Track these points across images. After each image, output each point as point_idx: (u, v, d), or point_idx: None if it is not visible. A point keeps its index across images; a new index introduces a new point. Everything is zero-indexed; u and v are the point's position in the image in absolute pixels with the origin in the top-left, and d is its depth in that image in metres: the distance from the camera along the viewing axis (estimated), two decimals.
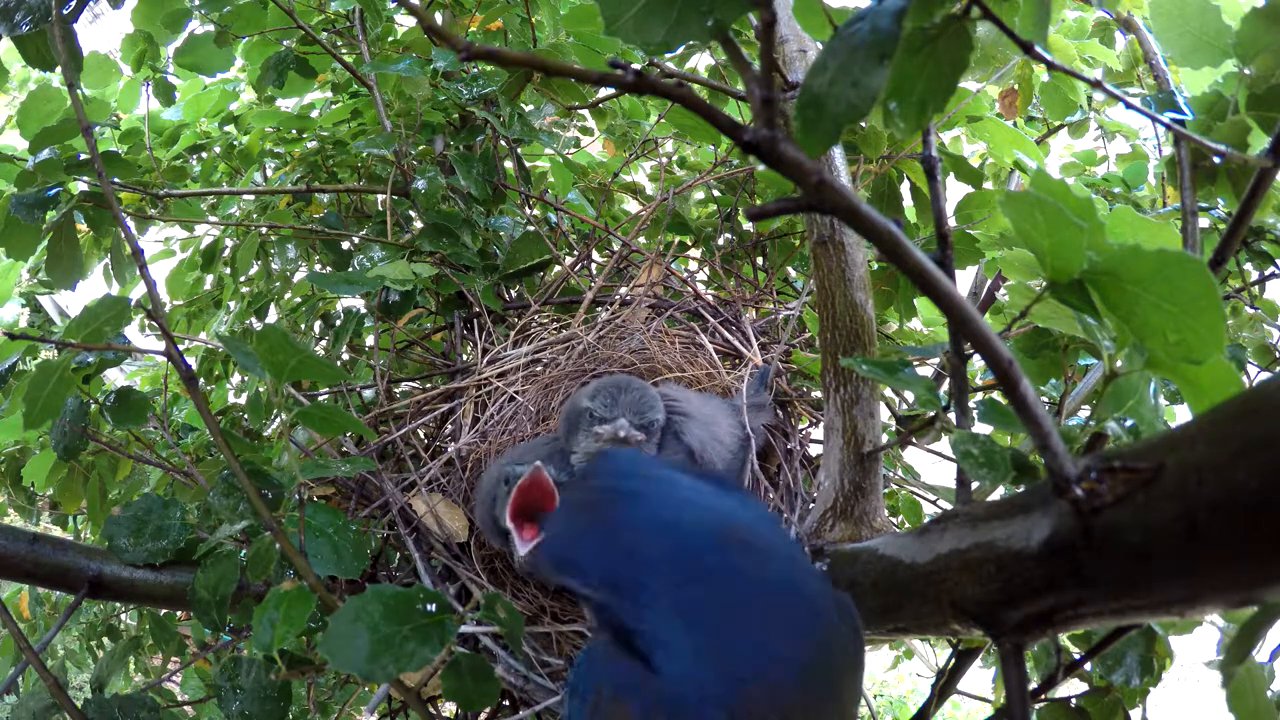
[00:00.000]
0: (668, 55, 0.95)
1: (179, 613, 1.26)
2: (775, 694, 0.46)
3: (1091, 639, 0.71)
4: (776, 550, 0.51)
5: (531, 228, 1.28)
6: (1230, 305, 1.11)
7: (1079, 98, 1.31)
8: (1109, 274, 0.48)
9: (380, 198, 1.42)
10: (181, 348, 1.08)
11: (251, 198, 1.54)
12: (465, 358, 1.21)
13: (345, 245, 1.37)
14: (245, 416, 1.38)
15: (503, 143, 1.32)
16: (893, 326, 1.34)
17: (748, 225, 1.38)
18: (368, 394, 1.22)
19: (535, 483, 0.76)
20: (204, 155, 1.63)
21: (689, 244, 1.44)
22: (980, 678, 1.03)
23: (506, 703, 0.92)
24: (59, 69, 0.92)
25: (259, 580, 0.78)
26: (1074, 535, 0.42)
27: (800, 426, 1.04)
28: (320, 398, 1.22)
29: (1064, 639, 0.77)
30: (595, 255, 1.40)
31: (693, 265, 1.43)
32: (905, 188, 1.19)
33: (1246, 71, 0.79)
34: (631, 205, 1.67)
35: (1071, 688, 0.79)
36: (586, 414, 0.90)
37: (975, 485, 0.69)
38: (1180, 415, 1.12)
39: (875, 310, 0.84)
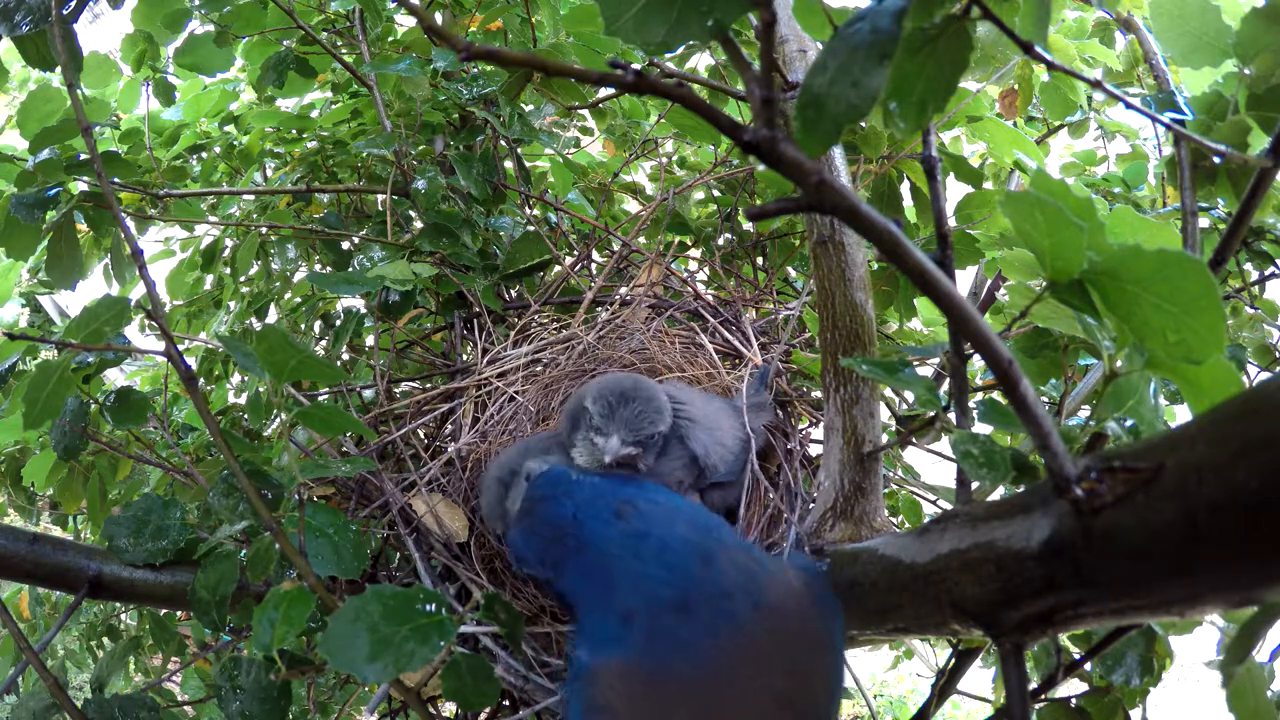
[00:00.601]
0: (668, 55, 0.95)
1: (179, 613, 1.26)
2: (664, 627, 0.59)
3: (1091, 639, 0.71)
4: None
5: (531, 228, 1.28)
6: (1230, 305, 1.11)
7: (1079, 98, 1.31)
8: (1109, 274, 0.48)
9: (380, 198, 1.42)
10: (181, 348, 1.08)
11: (251, 198, 1.54)
12: (465, 358, 1.21)
13: (345, 245, 1.37)
14: (245, 416, 1.38)
15: (503, 143, 1.32)
16: (893, 326, 1.34)
17: (748, 225, 1.38)
18: (368, 394, 1.22)
19: None
20: (204, 155, 1.63)
21: (689, 244, 1.44)
22: (980, 678, 1.03)
23: (506, 703, 0.92)
24: (59, 69, 0.92)
25: (259, 580, 0.78)
26: (1074, 535, 0.42)
27: (800, 426, 1.04)
28: (320, 398, 1.22)
29: (1064, 639, 0.77)
30: (595, 255, 1.40)
31: (693, 265, 1.43)
32: (905, 188, 1.19)
33: (1246, 71, 0.79)
34: (631, 205, 1.67)
35: (1071, 688, 0.79)
36: (586, 416, 0.89)
37: (975, 485, 0.69)
38: (1180, 415, 1.12)
39: (875, 310, 0.84)
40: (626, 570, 0.62)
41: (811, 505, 0.83)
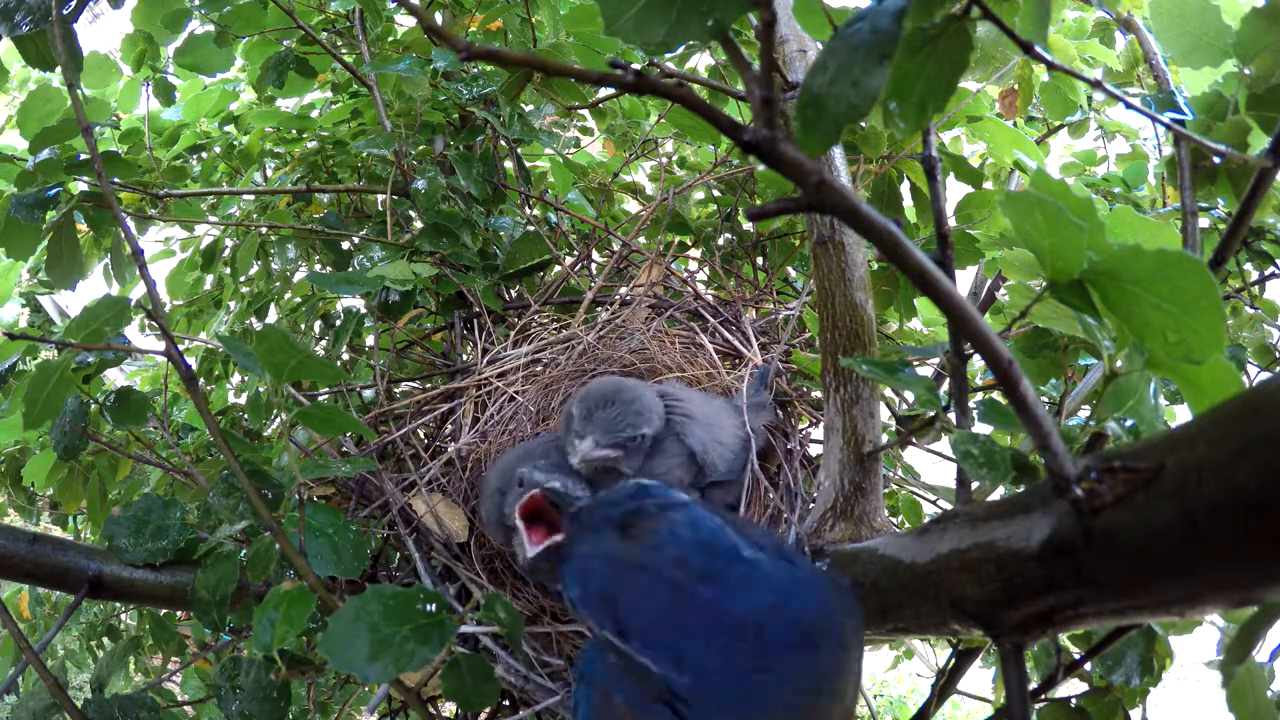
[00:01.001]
0: (668, 55, 0.95)
1: (179, 613, 1.26)
2: None
3: (1091, 639, 0.71)
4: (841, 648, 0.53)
5: (531, 228, 1.28)
6: (1230, 305, 1.11)
7: (1079, 98, 1.31)
8: (1109, 274, 0.48)
9: (380, 198, 1.42)
10: (181, 348, 1.08)
11: (251, 198, 1.54)
12: (465, 358, 1.21)
13: (345, 245, 1.37)
14: (245, 416, 1.38)
15: (503, 143, 1.32)
16: (893, 326, 1.34)
17: (748, 225, 1.38)
18: (368, 394, 1.22)
19: (537, 504, 0.79)
20: (204, 155, 1.63)
21: (689, 244, 1.44)
22: (980, 678, 1.03)
23: (506, 703, 0.92)
24: (59, 69, 0.92)
25: (259, 580, 0.78)
26: (1074, 535, 0.42)
27: (800, 426, 1.04)
28: (320, 398, 1.22)
29: (1064, 639, 0.77)
30: (595, 255, 1.40)
31: (693, 265, 1.43)
32: (905, 188, 1.19)
33: (1246, 71, 0.79)
34: (631, 205, 1.67)
35: (1071, 688, 0.79)
36: (570, 420, 0.89)
37: (975, 485, 0.69)
38: (1180, 415, 1.12)
39: (875, 310, 0.84)
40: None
41: (811, 505, 0.83)
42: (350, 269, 1.22)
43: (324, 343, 1.43)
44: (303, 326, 1.42)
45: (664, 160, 1.58)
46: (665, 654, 0.52)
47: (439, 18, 1.37)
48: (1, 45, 1.26)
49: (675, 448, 0.91)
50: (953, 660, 0.83)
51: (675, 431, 0.91)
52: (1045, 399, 0.83)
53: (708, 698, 0.51)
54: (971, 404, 0.63)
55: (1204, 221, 1.01)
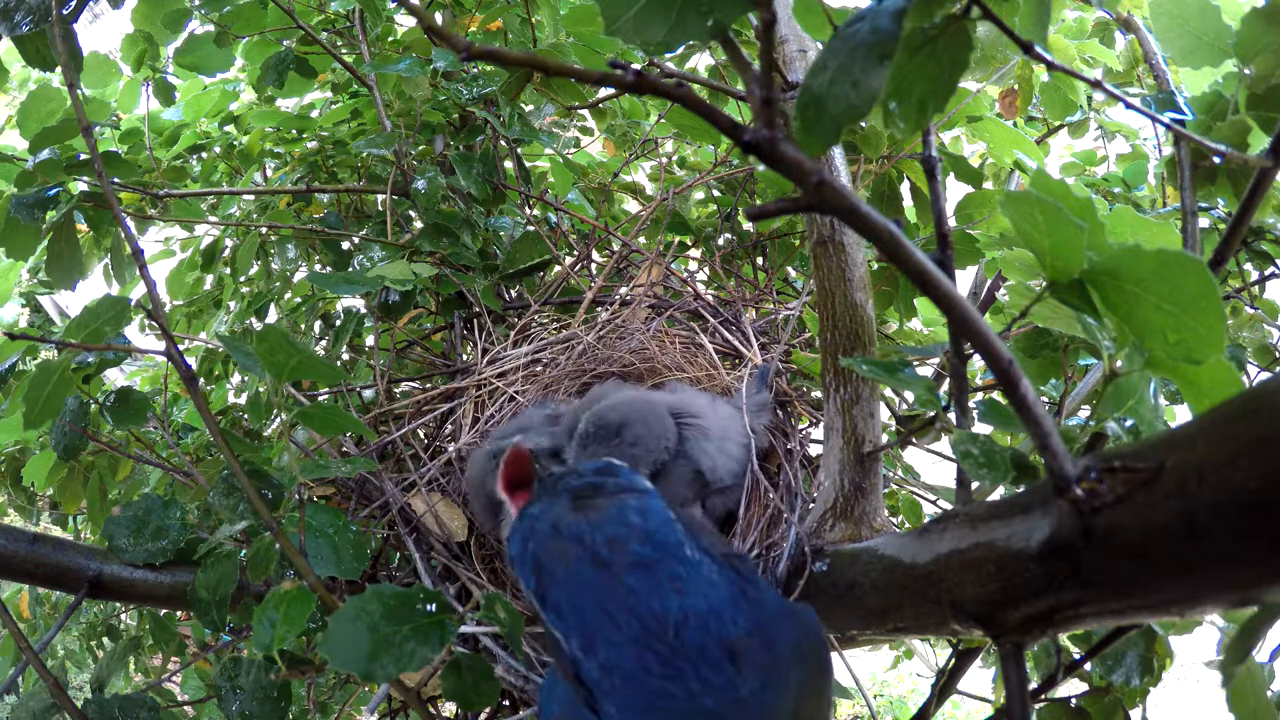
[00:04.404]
0: (668, 55, 0.95)
1: (179, 613, 1.26)
2: None
3: (1091, 639, 0.71)
4: (777, 663, 0.52)
5: (531, 228, 1.28)
6: (1230, 305, 1.11)
7: (1079, 98, 1.31)
8: (1109, 274, 0.48)
9: (380, 198, 1.42)
10: (181, 348, 1.08)
11: (251, 198, 1.54)
12: (465, 358, 1.21)
13: (345, 245, 1.37)
14: (245, 416, 1.38)
15: (503, 143, 1.32)
16: (893, 326, 1.34)
17: (748, 225, 1.38)
18: (368, 394, 1.22)
19: (517, 457, 0.76)
20: (204, 155, 1.63)
21: (689, 244, 1.44)
22: (980, 678, 1.03)
23: (506, 703, 0.92)
24: (59, 69, 0.92)
25: (259, 580, 0.78)
26: (1074, 535, 0.42)
27: (800, 426, 1.04)
28: (320, 398, 1.22)
29: (1064, 639, 0.77)
30: (595, 255, 1.40)
31: (693, 265, 1.43)
32: (905, 188, 1.19)
33: (1246, 71, 0.79)
34: (631, 205, 1.67)
35: (1071, 688, 0.79)
36: (583, 438, 0.88)
37: (975, 485, 0.69)
38: (1180, 415, 1.12)
39: (875, 310, 0.84)
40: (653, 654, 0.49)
41: (811, 505, 0.83)
42: (350, 269, 1.22)
43: (324, 343, 1.43)
44: (303, 326, 1.42)
45: (664, 160, 1.58)
46: (576, 631, 0.52)
47: (439, 18, 1.37)
48: (1, 45, 1.26)
49: (683, 468, 0.89)
50: (953, 660, 0.83)
51: (686, 452, 0.89)
52: (1045, 399, 0.83)
53: (615, 694, 0.49)
54: (971, 404, 0.63)
55: (1204, 221, 1.01)
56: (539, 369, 1.16)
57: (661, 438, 0.88)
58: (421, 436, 1.14)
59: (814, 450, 1.01)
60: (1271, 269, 1.09)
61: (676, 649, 0.49)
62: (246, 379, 1.51)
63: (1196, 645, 0.89)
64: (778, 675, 0.51)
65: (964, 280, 1.56)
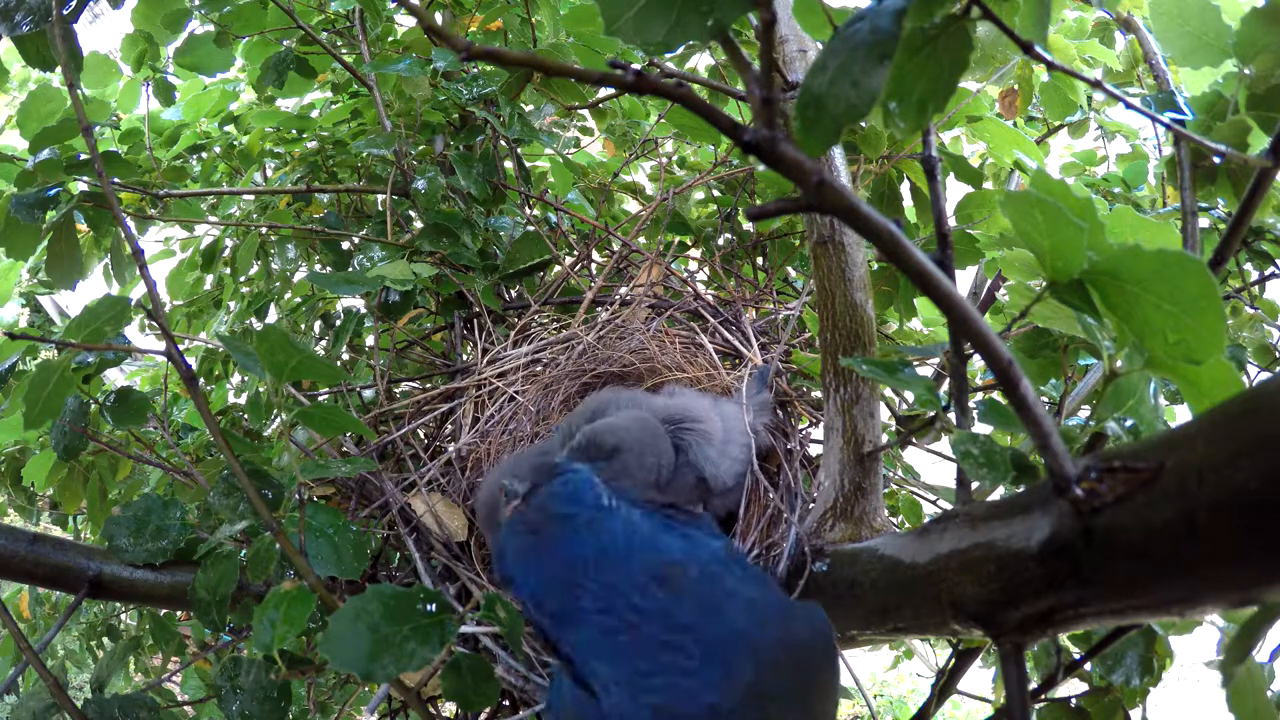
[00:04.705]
0: (668, 55, 0.95)
1: (179, 613, 1.26)
2: None
3: (1091, 639, 0.71)
4: (716, 595, 0.55)
5: (531, 228, 1.28)
6: (1230, 305, 1.11)
7: (1079, 98, 1.31)
8: (1109, 274, 0.48)
9: (380, 198, 1.42)
10: (181, 348, 1.08)
11: (251, 198, 1.54)
12: (465, 358, 1.21)
13: (345, 245, 1.36)
14: (245, 416, 1.38)
15: (503, 143, 1.32)
16: (893, 326, 1.34)
17: (748, 225, 1.38)
18: (368, 394, 1.22)
19: None
20: (204, 155, 1.63)
21: (689, 244, 1.44)
22: (980, 678, 1.03)
23: (506, 703, 0.92)
24: (59, 69, 0.92)
25: (259, 580, 0.78)
26: (1074, 535, 0.42)
27: (800, 426, 1.04)
28: (320, 398, 1.22)
29: (1064, 639, 0.77)
30: (595, 255, 1.40)
31: (693, 265, 1.43)
32: (905, 188, 1.19)
33: (1246, 71, 0.79)
34: (631, 205, 1.67)
35: (1071, 688, 0.79)
36: (577, 450, 0.87)
37: (975, 485, 0.69)
38: (1180, 415, 1.12)
39: (875, 310, 0.84)
40: (662, 665, 0.50)
41: (811, 505, 0.83)
42: (350, 269, 1.22)
43: (324, 343, 1.43)
44: (303, 326, 1.42)
45: (664, 160, 1.58)
46: (528, 594, 0.59)
47: (439, 18, 1.37)
48: (1, 45, 1.26)
49: (686, 475, 0.89)
50: (953, 660, 0.83)
51: (688, 459, 0.89)
52: (1045, 399, 0.83)
53: (582, 647, 0.53)
54: (971, 404, 0.63)
55: (1204, 221, 1.01)
56: (539, 369, 1.16)
57: (655, 467, 0.87)
58: (421, 436, 1.14)
59: (814, 450, 1.01)
60: (1271, 269, 1.09)
61: (603, 584, 0.54)
62: (246, 379, 1.51)
63: (1196, 645, 0.89)
64: (733, 608, 0.54)
65: (964, 280, 1.56)
